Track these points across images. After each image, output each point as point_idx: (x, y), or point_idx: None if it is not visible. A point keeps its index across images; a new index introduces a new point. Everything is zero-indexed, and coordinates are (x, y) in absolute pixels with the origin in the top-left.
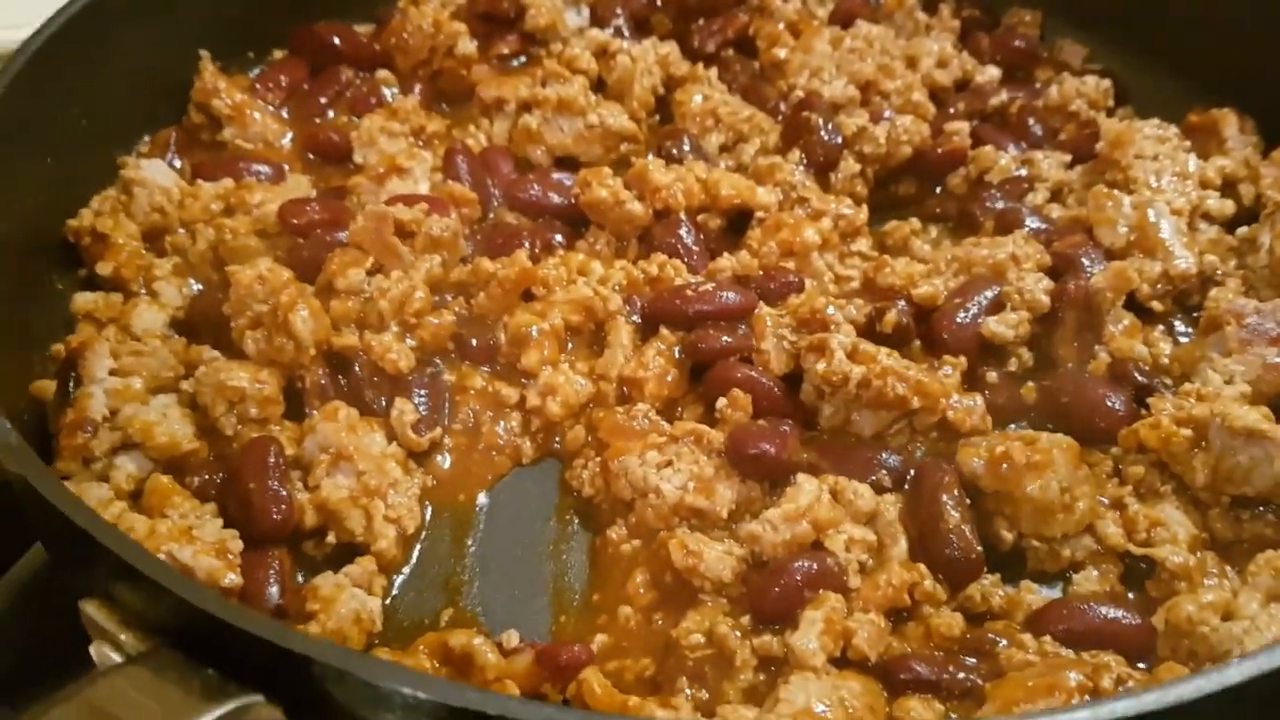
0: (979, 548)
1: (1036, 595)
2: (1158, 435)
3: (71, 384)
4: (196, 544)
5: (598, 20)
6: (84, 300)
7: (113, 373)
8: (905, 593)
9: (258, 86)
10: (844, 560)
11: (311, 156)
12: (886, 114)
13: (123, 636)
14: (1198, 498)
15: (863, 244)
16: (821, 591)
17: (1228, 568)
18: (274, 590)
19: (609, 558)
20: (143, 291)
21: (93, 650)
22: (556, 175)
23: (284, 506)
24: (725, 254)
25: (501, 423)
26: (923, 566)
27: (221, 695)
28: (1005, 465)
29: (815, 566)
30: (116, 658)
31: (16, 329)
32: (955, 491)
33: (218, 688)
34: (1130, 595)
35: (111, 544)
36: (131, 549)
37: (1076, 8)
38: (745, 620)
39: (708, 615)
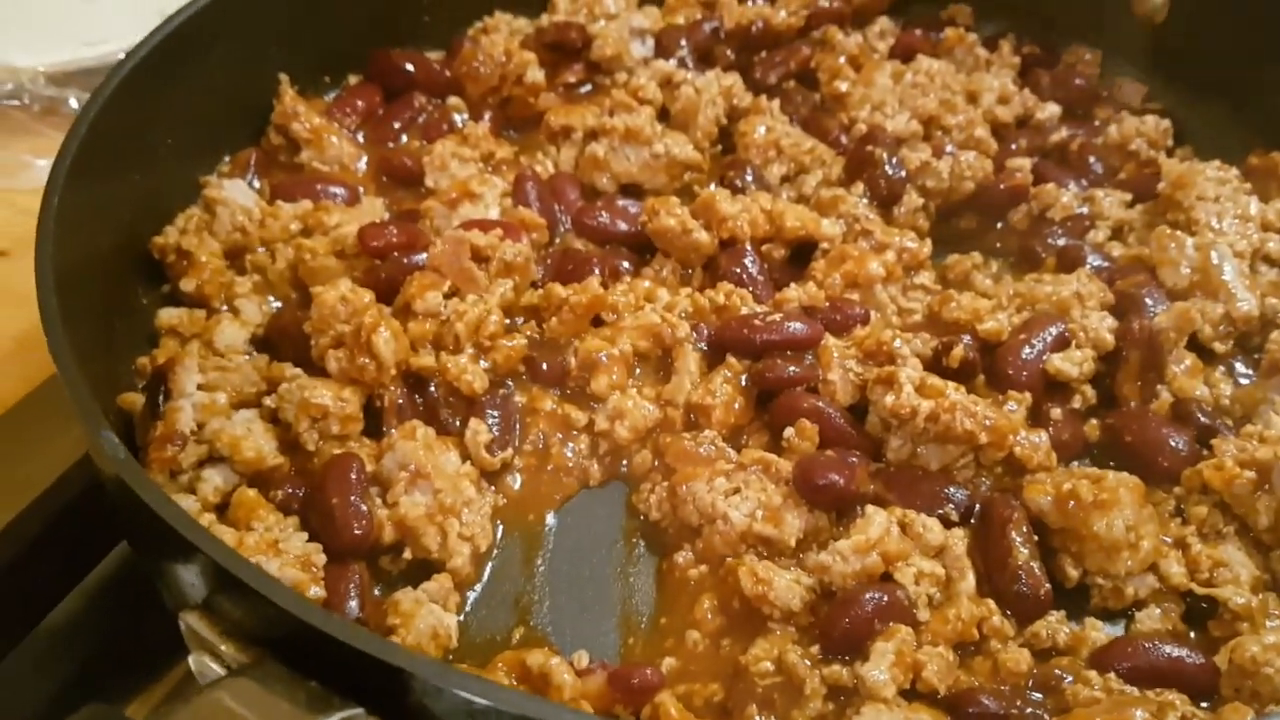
0: (1047, 584)
1: (1101, 633)
2: (1221, 477)
3: (161, 397)
4: (283, 557)
5: (662, 51)
6: (168, 316)
7: (200, 388)
8: (974, 627)
9: (334, 111)
10: (913, 593)
11: (385, 180)
12: (949, 149)
13: (223, 648)
14: (1260, 540)
15: (925, 277)
16: (892, 624)
17: None
18: (354, 604)
19: (676, 582)
20: (224, 308)
21: (192, 661)
22: (623, 202)
23: (365, 522)
24: (792, 284)
25: (570, 445)
26: (991, 602)
27: (326, 707)
28: (1073, 503)
29: (886, 598)
30: (216, 669)
31: (103, 342)
32: (1024, 528)
33: (322, 699)
34: (1192, 634)
35: (220, 557)
36: (239, 561)
37: (1136, 47)
38: (814, 649)
39: (776, 643)
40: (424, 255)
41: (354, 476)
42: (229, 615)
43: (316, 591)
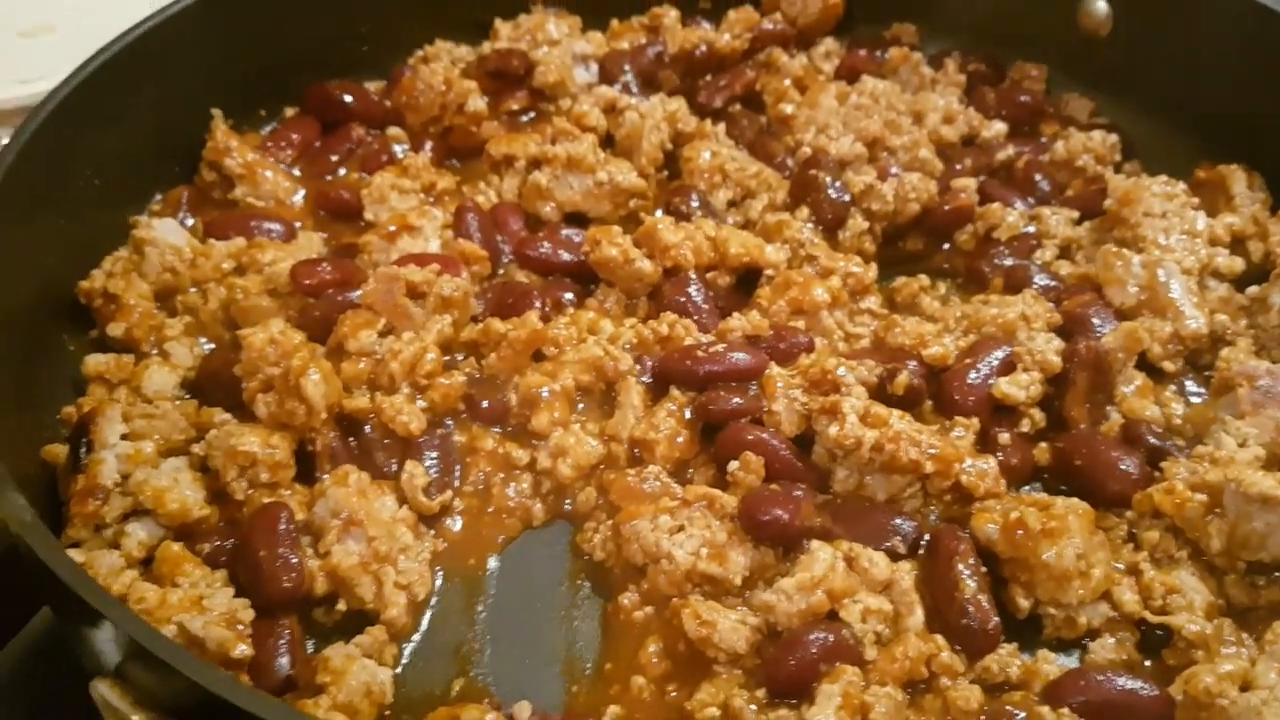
0: (996, 618)
1: (1053, 665)
2: (1172, 500)
3: (83, 449)
4: (207, 614)
5: (606, 76)
6: (95, 362)
7: (124, 437)
8: (922, 664)
9: (269, 145)
10: (860, 631)
11: (323, 214)
12: (894, 170)
13: (135, 718)
14: (1213, 564)
15: (872, 301)
16: (838, 664)
17: (1244, 635)
18: (284, 661)
19: (621, 625)
20: (154, 352)
21: None
22: (566, 232)
23: (294, 574)
24: (736, 314)
25: (512, 485)
26: (940, 638)
27: None
28: (1020, 532)
29: (831, 638)
30: None
31: (28, 391)
32: (971, 560)
33: None
34: (1147, 663)
35: (127, 625)
36: (145, 629)
37: (1082, 62)
38: (760, 693)
39: (722, 687)
40: (359, 292)
41: (283, 526)
42: (141, 684)
43: (243, 650)
